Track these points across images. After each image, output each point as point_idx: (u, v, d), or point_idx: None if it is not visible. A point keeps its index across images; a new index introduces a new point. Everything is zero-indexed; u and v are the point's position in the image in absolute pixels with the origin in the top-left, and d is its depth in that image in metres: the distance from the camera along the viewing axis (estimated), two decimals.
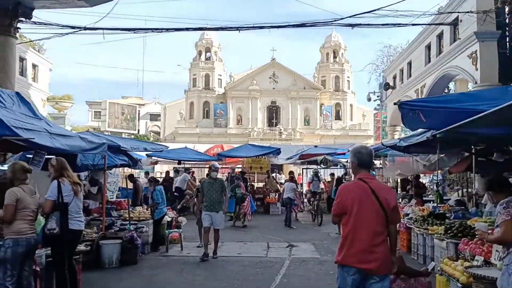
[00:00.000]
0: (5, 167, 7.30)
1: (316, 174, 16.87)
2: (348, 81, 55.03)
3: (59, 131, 7.18)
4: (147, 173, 18.09)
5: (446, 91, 19.07)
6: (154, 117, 65.75)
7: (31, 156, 6.86)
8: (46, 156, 6.65)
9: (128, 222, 8.82)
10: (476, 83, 12.40)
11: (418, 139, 9.02)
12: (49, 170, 5.55)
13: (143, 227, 9.02)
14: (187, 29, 13.01)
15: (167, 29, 12.83)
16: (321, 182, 17.46)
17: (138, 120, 62.92)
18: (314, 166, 20.08)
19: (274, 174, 22.01)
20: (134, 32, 13.04)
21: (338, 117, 53.81)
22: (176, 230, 10.42)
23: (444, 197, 14.71)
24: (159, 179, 16.02)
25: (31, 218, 4.81)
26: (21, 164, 5.01)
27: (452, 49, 14.31)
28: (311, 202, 16.22)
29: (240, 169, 20.26)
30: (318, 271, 8.13)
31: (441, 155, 12.87)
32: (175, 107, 55.50)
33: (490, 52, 12.15)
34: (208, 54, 55.21)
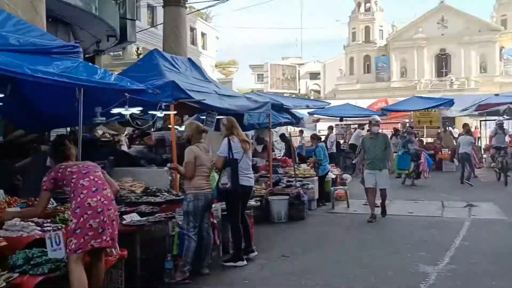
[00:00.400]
0: (182, 128, 7.98)
1: (500, 126, 14.20)
2: None
3: (227, 92, 7.53)
4: (301, 132, 18.05)
5: None
6: (313, 76, 65.86)
7: (204, 117, 7.34)
8: (217, 117, 7.03)
9: (294, 179, 8.96)
10: None
11: None
12: (220, 129, 5.83)
13: (308, 183, 9.08)
14: None
15: None
16: (507, 135, 14.48)
17: (299, 80, 63.95)
18: (495, 118, 17.75)
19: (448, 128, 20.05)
20: None
21: None
22: (341, 187, 10.27)
23: None
24: (321, 136, 15.98)
25: (207, 174, 5.13)
26: (196, 124, 5.38)
27: None
28: (495, 158, 14.01)
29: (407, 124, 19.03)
30: (507, 234, 7.17)
31: None
32: (335, 64, 54.79)
33: None
34: (367, 5, 52.64)
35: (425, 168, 12.99)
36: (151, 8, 19.73)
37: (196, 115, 8.60)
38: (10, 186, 5.86)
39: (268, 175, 9.14)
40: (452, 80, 45.68)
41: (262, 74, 58.49)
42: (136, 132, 9.92)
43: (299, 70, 63.86)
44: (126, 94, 4.73)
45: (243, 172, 5.44)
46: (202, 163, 5.04)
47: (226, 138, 5.50)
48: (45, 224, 3.97)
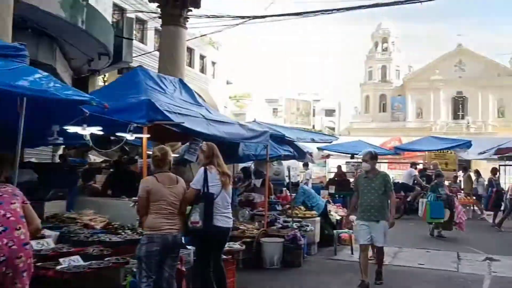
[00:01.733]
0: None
1: None
2: None
3: (217, 117, 6.72)
4: (305, 165, 16.84)
5: None
6: (329, 112, 65.48)
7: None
8: None
9: (291, 219, 8.02)
10: None
11: None
12: (198, 157, 5.00)
13: (307, 225, 8.12)
14: (359, 7, 11.68)
15: (338, 9, 11.73)
16: None
17: (313, 115, 63.51)
18: None
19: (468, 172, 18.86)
20: (304, 16, 12.30)
21: None
22: (346, 230, 9.26)
23: None
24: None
25: (168, 211, 4.16)
26: (166, 150, 4.46)
27: None
28: None
29: (421, 165, 18.02)
30: None
31: None
32: (350, 102, 54.33)
33: None
34: (385, 45, 52.57)
35: (463, 218, 11.13)
36: (159, 33, 19.11)
37: (188, 143, 7.81)
38: None
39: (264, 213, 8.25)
40: (469, 123, 44.66)
41: (277, 108, 58.25)
42: (124, 158, 9.15)
43: (314, 106, 63.66)
44: (85, 110, 3.99)
45: (220, 210, 4.53)
46: (161, 197, 4.11)
47: (202, 168, 4.64)
48: None
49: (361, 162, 21.42)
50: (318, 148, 16.94)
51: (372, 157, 6.48)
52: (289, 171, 10.29)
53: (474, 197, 16.28)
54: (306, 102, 56.38)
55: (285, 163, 14.17)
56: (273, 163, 11.97)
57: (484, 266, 8.01)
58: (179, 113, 5.57)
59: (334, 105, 61.93)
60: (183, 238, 4.56)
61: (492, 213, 14.12)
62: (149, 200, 4.10)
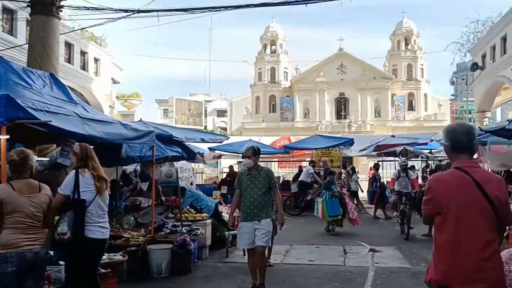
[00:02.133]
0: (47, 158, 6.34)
1: (404, 168, 11.67)
2: (422, 69, 51.76)
3: (95, 116, 6.06)
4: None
5: None
6: (221, 113, 65.88)
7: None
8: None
9: (180, 223, 7.62)
10: None
11: None
12: (70, 159, 4.40)
13: (198, 228, 7.78)
14: (247, 5, 11.62)
15: (226, 7, 11.54)
16: (411, 180, 11.69)
17: (205, 116, 63.27)
18: (391, 158, 18.07)
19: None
20: (191, 13, 11.91)
21: (411, 107, 50.91)
22: (236, 231, 9.08)
23: None
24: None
25: (27, 224, 3.54)
26: (18, 153, 3.78)
27: None
28: (397, 206, 11.44)
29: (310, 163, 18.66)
30: (413, 286, 6.44)
31: None
32: (242, 102, 55.04)
33: None
34: (273, 47, 54.21)
35: (355, 213, 11.42)
36: (9, 13, 16.40)
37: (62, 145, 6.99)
38: None
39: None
40: (350, 122, 47.92)
41: (168, 109, 56.94)
42: None
43: (206, 107, 63.43)
44: None
45: (94, 220, 3.99)
46: (16, 208, 3.48)
47: (73, 171, 4.08)
48: None
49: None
50: (210, 149, 16.71)
51: (255, 152, 6.03)
52: (177, 173, 9.84)
53: (349, 193, 17.06)
54: (197, 102, 55.95)
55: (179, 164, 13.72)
56: (164, 164, 11.40)
57: (368, 258, 8.39)
58: (47, 111, 4.85)
59: (226, 106, 62.30)
60: (52, 252, 3.95)
61: (373, 206, 15.08)
62: (2, 212, 3.44)
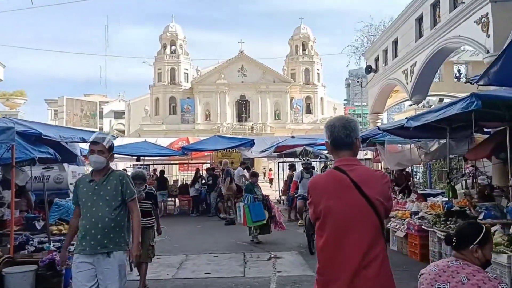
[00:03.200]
0: None
1: (307, 168, 10.11)
2: (318, 73, 53.80)
3: None
4: None
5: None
6: (118, 115, 62.65)
7: None
8: None
9: (48, 238, 6.33)
10: (488, 52, 10.43)
11: (438, 115, 6.90)
12: None
13: (73, 244, 6.53)
14: None
15: None
16: None
17: (102, 117, 59.75)
18: (291, 160, 17.95)
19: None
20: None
21: (309, 110, 52.53)
22: None
23: (429, 190, 12.63)
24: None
25: None
26: None
27: (452, 17, 12.30)
28: (303, 214, 9.52)
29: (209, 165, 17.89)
30: None
31: (442, 142, 10.96)
32: (140, 104, 52.71)
33: (506, 12, 10.14)
34: (173, 47, 52.62)
35: (281, 217, 10.57)
36: None
37: None
38: None
39: (18, 232, 6.36)
40: (252, 125, 48.16)
41: (57, 110, 52.62)
42: None
43: (102, 108, 59.89)
44: None
45: None
46: None
47: None
48: None
49: (150, 164, 20.29)
50: None
51: (110, 146, 3.94)
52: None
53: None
54: (91, 102, 52.53)
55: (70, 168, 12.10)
56: (51, 168, 9.82)
57: (269, 266, 7.77)
58: None
59: (123, 107, 59.35)
60: None
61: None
62: None
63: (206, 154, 18.54)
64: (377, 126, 10.33)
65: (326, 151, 17.71)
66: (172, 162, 22.21)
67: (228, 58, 52.17)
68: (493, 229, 6.11)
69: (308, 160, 10.84)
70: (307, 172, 9.99)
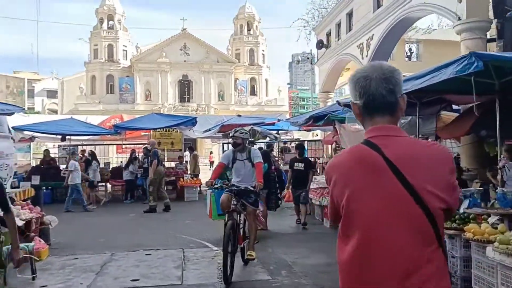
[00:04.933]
0: None
1: (238, 144, 6.44)
2: (263, 55, 52.53)
3: None
4: None
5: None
6: (51, 94, 58.32)
7: None
8: None
9: None
10: (459, 19, 9.42)
11: (423, 82, 5.71)
12: None
13: None
14: None
15: None
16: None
17: (33, 96, 55.44)
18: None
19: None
20: None
21: (253, 92, 51.33)
22: (25, 244, 6.15)
23: None
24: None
25: None
26: None
27: None
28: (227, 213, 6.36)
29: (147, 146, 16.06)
30: None
31: (408, 119, 10.02)
32: (75, 82, 49.03)
33: None
34: (111, 22, 49.16)
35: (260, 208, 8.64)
36: None
37: None
38: None
39: None
40: (196, 106, 46.21)
41: None
42: None
43: (34, 86, 55.57)
44: None
45: None
46: None
47: None
48: None
49: (78, 145, 17.99)
50: (14, 128, 12.91)
51: None
52: None
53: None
54: (18, 79, 48.25)
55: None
56: None
57: (213, 267, 6.26)
58: None
59: (57, 86, 55.20)
60: None
61: None
62: None
63: (142, 133, 16.65)
64: (337, 101, 9.08)
65: (275, 131, 16.45)
66: (105, 142, 20.10)
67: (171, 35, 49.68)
68: (490, 220, 5.01)
69: (241, 132, 6.53)
70: (241, 151, 6.40)
